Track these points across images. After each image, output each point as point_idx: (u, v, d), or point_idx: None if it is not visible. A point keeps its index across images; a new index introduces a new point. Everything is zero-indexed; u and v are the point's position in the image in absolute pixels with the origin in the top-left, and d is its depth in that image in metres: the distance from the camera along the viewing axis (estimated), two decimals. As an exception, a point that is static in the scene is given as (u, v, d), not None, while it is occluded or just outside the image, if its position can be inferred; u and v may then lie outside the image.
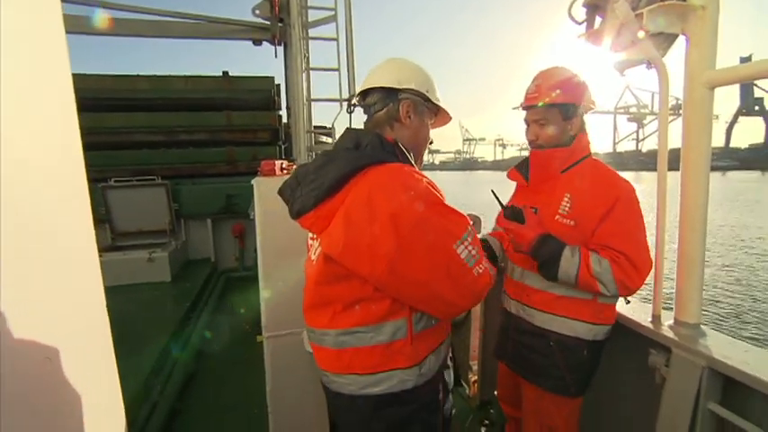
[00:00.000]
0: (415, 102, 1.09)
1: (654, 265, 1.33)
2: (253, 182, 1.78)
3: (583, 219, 1.33)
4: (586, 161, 1.42)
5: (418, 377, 1.03)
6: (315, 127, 4.41)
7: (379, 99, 1.10)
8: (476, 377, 2.64)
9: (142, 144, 5.44)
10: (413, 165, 1.05)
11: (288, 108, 5.47)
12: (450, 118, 1.24)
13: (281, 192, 1.09)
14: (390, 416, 1.02)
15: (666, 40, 1.19)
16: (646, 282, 1.29)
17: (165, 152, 5.54)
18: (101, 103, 5.15)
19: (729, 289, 9.28)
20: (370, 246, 0.90)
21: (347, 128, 1.12)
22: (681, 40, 1.17)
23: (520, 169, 1.59)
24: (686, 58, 1.15)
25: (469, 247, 0.96)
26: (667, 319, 1.34)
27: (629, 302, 1.41)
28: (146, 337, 3.12)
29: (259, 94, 5.79)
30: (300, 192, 1.00)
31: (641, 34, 1.16)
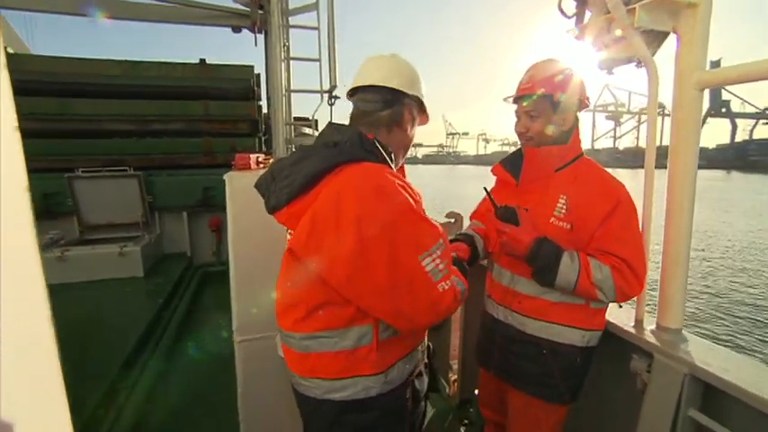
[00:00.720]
0: (414, 107, 1.09)
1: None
2: (225, 176, 1.68)
3: (581, 222, 1.28)
4: (581, 161, 1.36)
5: (383, 385, 1.00)
6: (295, 118, 4.28)
7: (382, 99, 1.05)
8: (455, 376, 2.62)
9: (113, 133, 5.17)
10: (391, 165, 1.01)
11: (268, 99, 5.31)
12: (429, 119, 1.20)
13: (257, 186, 1.06)
14: (353, 422, 1.01)
15: (657, 38, 1.16)
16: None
17: (138, 142, 5.29)
18: (67, 87, 4.85)
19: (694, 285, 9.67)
20: (330, 248, 0.88)
21: (328, 122, 1.09)
22: (671, 39, 1.14)
23: (506, 166, 1.51)
24: (676, 57, 1.12)
25: (437, 261, 0.90)
26: (650, 324, 1.33)
27: (621, 306, 1.39)
28: (113, 337, 2.98)
29: (238, 84, 5.58)
30: (275, 187, 0.98)
31: (618, 32, 1.11)
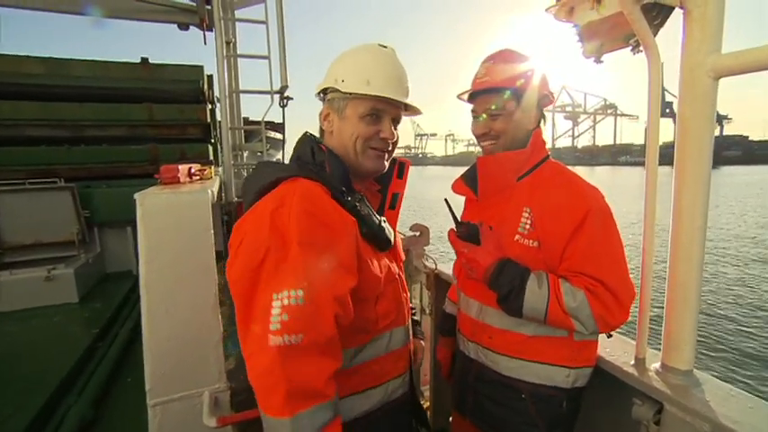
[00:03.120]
0: (331, 99, 1.02)
1: (639, 295, 1.10)
2: (136, 196, 1.33)
3: (548, 238, 1.06)
4: (546, 165, 1.16)
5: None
6: (250, 122, 3.91)
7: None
8: (428, 403, 2.38)
9: (38, 140, 4.57)
10: (344, 176, 0.96)
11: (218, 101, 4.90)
12: (374, 101, 0.99)
13: (242, 196, 1.12)
14: None
15: (659, 15, 0.95)
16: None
17: (71, 150, 4.71)
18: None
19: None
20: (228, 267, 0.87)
21: (304, 132, 1.07)
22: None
23: (467, 179, 1.29)
24: (684, 38, 0.92)
25: (280, 312, 0.76)
26: (653, 361, 1.12)
27: (610, 336, 1.17)
28: (30, 379, 2.52)
29: (186, 85, 5.13)
30: (245, 200, 0.99)
31: (614, 7, 0.90)
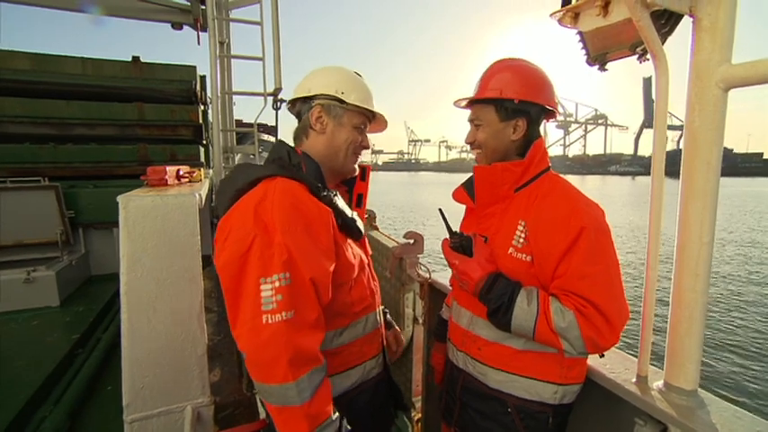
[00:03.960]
0: (327, 105, 1.12)
1: (642, 311, 1.07)
2: (119, 198, 1.27)
3: (540, 254, 1.04)
4: (544, 177, 1.13)
5: None
6: (242, 124, 3.84)
7: (298, 110, 1.17)
8: (419, 415, 2.33)
9: (22, 137, 4.45)
10: (319, 176, 1.08)
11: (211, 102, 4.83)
12: (385, 121, 1.25)
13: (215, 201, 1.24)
14: None
15: (667, 22, 0.93)
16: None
17: (57, 149, 4.59)
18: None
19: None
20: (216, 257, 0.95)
21: (277, 139, 1.20)
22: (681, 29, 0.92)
23: (467, 188, 1.27)
24: (693, 47, 0.89)
25: (273, 293, 0.88)
26: (655, 379, 1.08)
27: (602, 356, 1.14)
28: (3, 388, 2.40)
29: (178, 85, 5.03)
30: (219, 200, 1.07)
31: (624, 14, 0.88)
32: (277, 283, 0.87)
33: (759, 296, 9.77)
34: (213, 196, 3.54)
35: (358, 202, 1.28)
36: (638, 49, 1.00)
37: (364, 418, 1.12)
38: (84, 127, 4.75)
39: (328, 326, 1.02)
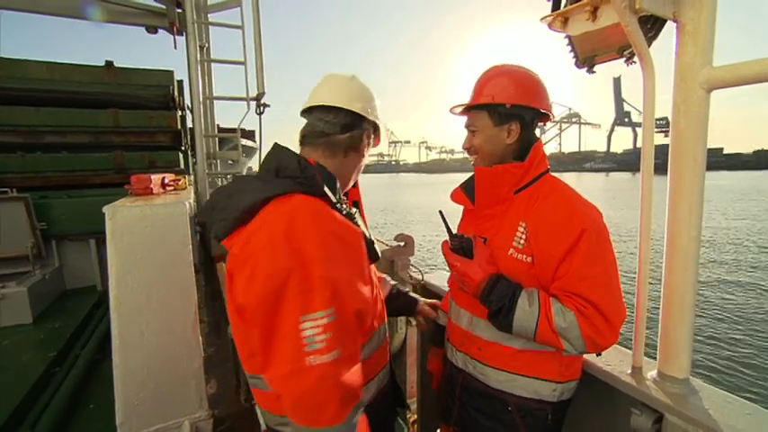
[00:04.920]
0: (371, 132, 1.10)
1: (636, 305, 1.11)
2: (105, 209, 1.22)
3: (541, 255, 1.06)
4: (544, 179, 1.16)
5: None
6: (223, 130, 3.77)
7: (341, 122, 1.04)
8: (415, 416, 2.34)
9: (-15, 147, 4.24)
10: (330, 196, 0.94)
11: (191, 108, 4.72)
12: (380, 141, 1.18)
13: (198, 215, 1.07)
14: None
15: (652, 27, 0.97)
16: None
17: (24, 158, 4.38)
18: None
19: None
20: (237, 288, 0.86)
21: (275, 144, 1.02)
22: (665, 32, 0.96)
23: (466, 189, 1.29)
24: (677, 51, 0.93)
25: (320, 332, 0.78)
26: (649, 370, 1.12)
27: (599, 355, 1.18)
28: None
29: (155, 90, 4.88)
30: (216, 217, 0.93)
31: (613, 18, 0.91)
32: (322, 321, 0.79)
33: (720, 281, 10.31)
34: (196, 204, 3.46)
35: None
36: (625, 53, 1.04)
37: (377, 424, 1.06)
38: (54, 134, 4.56)
39: None
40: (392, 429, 1.26)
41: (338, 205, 0.95)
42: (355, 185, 1.23)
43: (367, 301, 0.89)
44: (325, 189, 0.93)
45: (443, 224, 1.21)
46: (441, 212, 1.22)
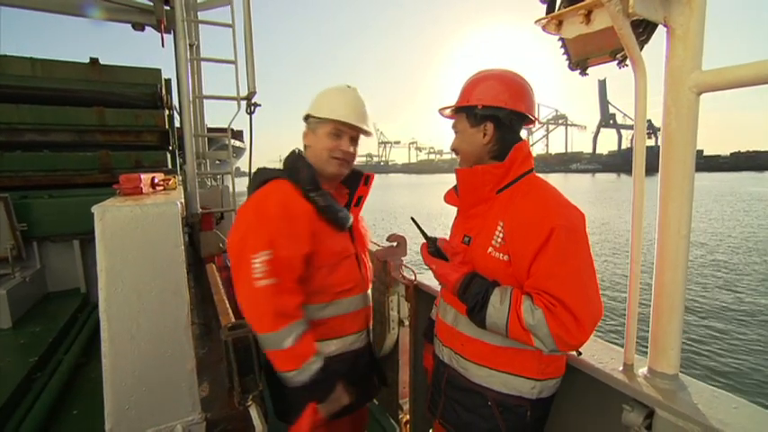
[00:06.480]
0: (310, 122, 1.42)
1: (627, 302, 1.13)
2: (94, 209, 1.19)
3: (516, 253, 1.08)
4: (524, 179, 1.18)
5: None
6: (212, 129, 3.72)
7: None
8: (407, 417, 2.34)
9: (-38, 146, 4.09)
10: (313, 177, 1.33)
11: (179, 107, 4.64)
12: (361, 124, 1.41)
13: None
14: None
15: (644, 31, 0.99)
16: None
17: (3, 156, 4.25)
18: None
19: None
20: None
21: (293, 150, 1.46)
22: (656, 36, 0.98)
23: (456, 188, 1.32)
24: (667, 54, 0.96)
25: (262, 265, 1.18)
26: (640, 366, 1.15)
27: (580, 354, 1.21)
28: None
29: (142, 89, 4.79)
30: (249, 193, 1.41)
31: (606, 22, 0.93)
32: (264, 257, 1.18)
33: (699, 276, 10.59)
34: (185, 204, 3.40)
35: (357, 202, 1.52)
36: (618, 56, 1.06)
37: (346, 383, 1.31)
38: (35, 133, 4.43)
39: (311, 300, 1.31)
40: (370, 397, 1.64)
41: (306, 189, 1.30)
42: (367, 185, 1.54)
43: (297, 254, 1.24)
44: (301, 177, 1.31)
45: (418, 229, 1.30)
46: (413, 219, 1.36)
